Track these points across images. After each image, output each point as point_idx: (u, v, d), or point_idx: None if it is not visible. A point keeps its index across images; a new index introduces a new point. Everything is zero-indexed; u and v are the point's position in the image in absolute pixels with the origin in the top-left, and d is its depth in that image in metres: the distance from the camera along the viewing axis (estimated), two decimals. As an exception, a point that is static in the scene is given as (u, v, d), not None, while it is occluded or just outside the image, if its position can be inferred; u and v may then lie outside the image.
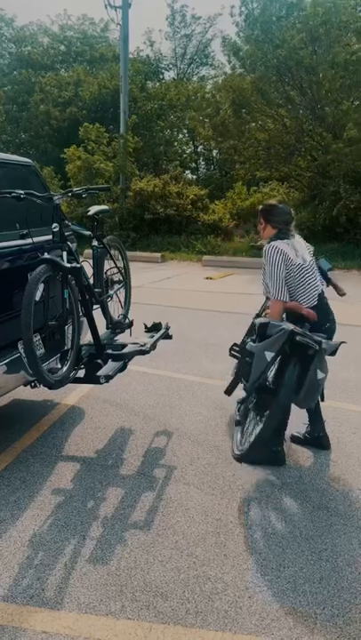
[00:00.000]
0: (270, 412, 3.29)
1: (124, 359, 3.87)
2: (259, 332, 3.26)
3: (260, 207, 3.73)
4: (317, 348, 3.16)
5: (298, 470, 3.50)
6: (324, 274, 3.72)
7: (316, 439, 3.76)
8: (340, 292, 3.80)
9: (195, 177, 22.41)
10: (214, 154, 22.15)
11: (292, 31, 13.60)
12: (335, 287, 3.80)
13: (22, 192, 3.31)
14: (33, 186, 3.80)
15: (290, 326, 3.16)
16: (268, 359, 3.15)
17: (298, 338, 3.13)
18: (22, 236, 3.56)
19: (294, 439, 3.83)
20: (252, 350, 3.23)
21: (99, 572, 2.54)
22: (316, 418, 3.75)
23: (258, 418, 3.45)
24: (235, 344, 3.75)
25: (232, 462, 3.57)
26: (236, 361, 3.74)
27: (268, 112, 15.32)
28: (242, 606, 2.34)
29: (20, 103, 24.32)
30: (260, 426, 3.37)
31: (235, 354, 3.71)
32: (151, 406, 4.49)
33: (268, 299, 3.66)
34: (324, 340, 3.21)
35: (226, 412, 4.29)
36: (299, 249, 3.51)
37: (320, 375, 3.22)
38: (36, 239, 3.57)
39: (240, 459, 3.55)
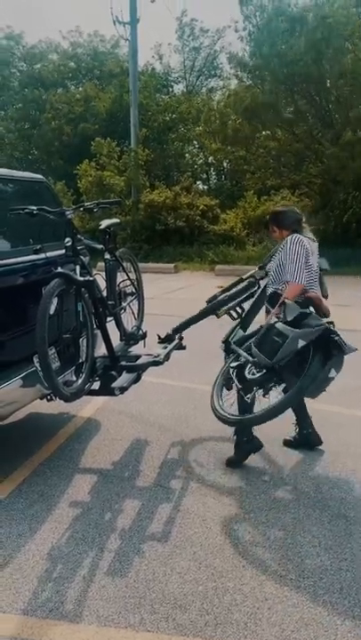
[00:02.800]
0: (289, 396, 3.33)
1: (138, 370, 3.89)
2: (297, 318, 3.31)
3: (269, 217, 3.89)
4: (346, 352, 3.24)
5: (315, 479, 3.48)
6: (320, 273, 3.82)
7: (305, 437, 3.80)
8: (324, 294, 3.86)
9: (206, 187, 22.49)
10: (225, 164, 22.23)
11: (297, 46, 13.63)
12: (321, 286, 3.85)
13: (35, 208, 3.37)
14: (45, 201, 3.86)
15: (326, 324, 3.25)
16: (299, 346, 3.21)
17: (336, 338, 3.22)
18: (36, 251, 3.61)
19: (286, 443, 3.86)
20: (286, 333, 3.25)
21: (117, 584, 2.54)
22: (302, 416, 3.80)
23: (259, 390, 3.49)
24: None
25: (249, 472, 3.56)
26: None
27: (277, 122, 15.37)
28: (261, 617, 2.32)
29: (31, 120, 24.70)
30: (276, 401, 3.38)
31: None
32: (166, 417, 4.49)
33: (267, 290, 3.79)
34: (348, 345, 3.29)
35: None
36: (314, 252, 3.65)
37: (332, 374, 3.29)
38: (49, 254, 3.62)
39: (227, 421, 3.59)
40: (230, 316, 3.96)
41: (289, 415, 3.62)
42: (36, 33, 45.43)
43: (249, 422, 3.53)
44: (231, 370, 3.72)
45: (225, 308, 3.94)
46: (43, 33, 50.97)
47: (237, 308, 3.95)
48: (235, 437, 3.69)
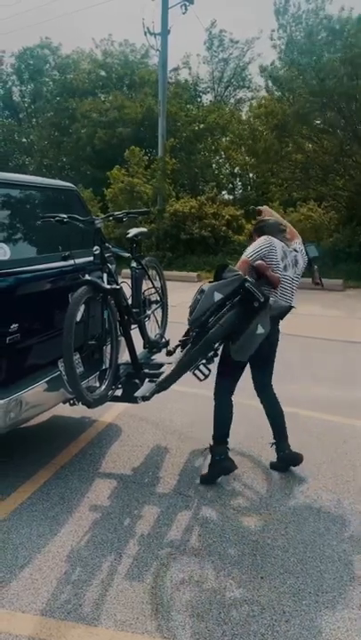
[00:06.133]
0: (199, 346, 3.24)
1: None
2: (216, 272, 3.27)
3: (253, 228, 3.83)
4: (262, 300, 3.17)
5: (336, 494, 3.45)
6: (309, 260, 3.76)
7: (282, 458, 3.72)
8: (315, 281, 3.81)
9: (231, 197, 22.51)
10: (251, 175, 22.23)
11: (335, 61, 13.57)
12: (313, 275, 3.80)
13: (65, 216, 3.43)
14: (75, 209, 3.93)
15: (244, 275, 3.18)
16: (216, 300, 3.16)
17: (247, 285, 3.14)
18: (64, 258, 3.68)
19: (273, 466, 3.77)
20: (203, 289, 3.25)
21: (135, 589, 2.56)
22: (280, 436, 3.72)
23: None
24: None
25: (270, 484, 3.55)
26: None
27: (307, 135, 15.33)
28: (278, 630, 2.31)
29: (62, 128, 25.14)
30: (186, 356, 3.34)
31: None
32: (187, 425, 4.50)
33: None
34: (272, 298, 3.25)
35: (263, 431, 4.26)
36: (288, 258, 3.55)
37: (260, 330, 3.21)
38: (77, 261, 3.68)
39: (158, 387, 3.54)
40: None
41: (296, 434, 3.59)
42: (70, 43, 46.43)
43: (166, 381, 3.42)
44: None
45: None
46: (76, 43, 52.04)
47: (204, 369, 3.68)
48: (209, 455, 3.60)
